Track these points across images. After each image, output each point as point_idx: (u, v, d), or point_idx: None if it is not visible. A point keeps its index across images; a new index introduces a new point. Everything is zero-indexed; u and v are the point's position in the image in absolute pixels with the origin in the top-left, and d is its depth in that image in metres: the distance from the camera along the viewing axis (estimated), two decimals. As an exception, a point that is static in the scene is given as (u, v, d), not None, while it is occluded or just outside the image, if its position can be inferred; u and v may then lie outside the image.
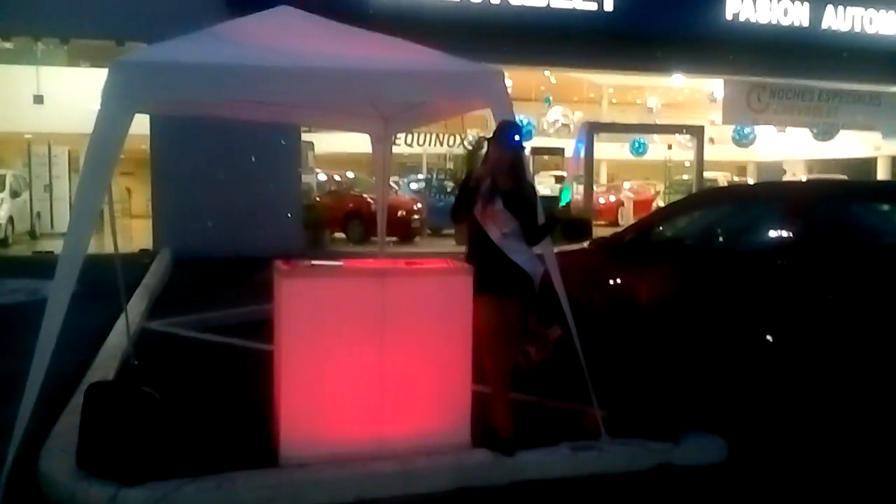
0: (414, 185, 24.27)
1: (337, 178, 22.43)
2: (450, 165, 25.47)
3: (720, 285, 5.74)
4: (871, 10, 17.94)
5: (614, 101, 31.71)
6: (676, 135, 26.07)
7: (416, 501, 4.03)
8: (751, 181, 31.42)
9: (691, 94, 27.94)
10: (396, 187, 23.17)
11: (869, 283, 5.33)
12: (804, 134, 24.37)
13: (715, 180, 26.54)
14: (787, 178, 30.99)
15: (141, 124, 5.72)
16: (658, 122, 29.04)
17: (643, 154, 30.72)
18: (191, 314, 8.34)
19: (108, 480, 3.77)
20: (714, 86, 22.52)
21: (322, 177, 21.84)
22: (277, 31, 4.68)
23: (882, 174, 31.91)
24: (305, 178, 17.71)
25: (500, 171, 4.40)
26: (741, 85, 19.40)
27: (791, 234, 5.78)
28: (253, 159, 13.96)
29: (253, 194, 14.33)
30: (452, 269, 4.55)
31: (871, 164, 32.05)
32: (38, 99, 20.16)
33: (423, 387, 4.32)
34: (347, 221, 18.53)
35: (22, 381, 3.64)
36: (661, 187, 28.58)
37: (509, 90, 4.96)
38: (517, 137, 4.42)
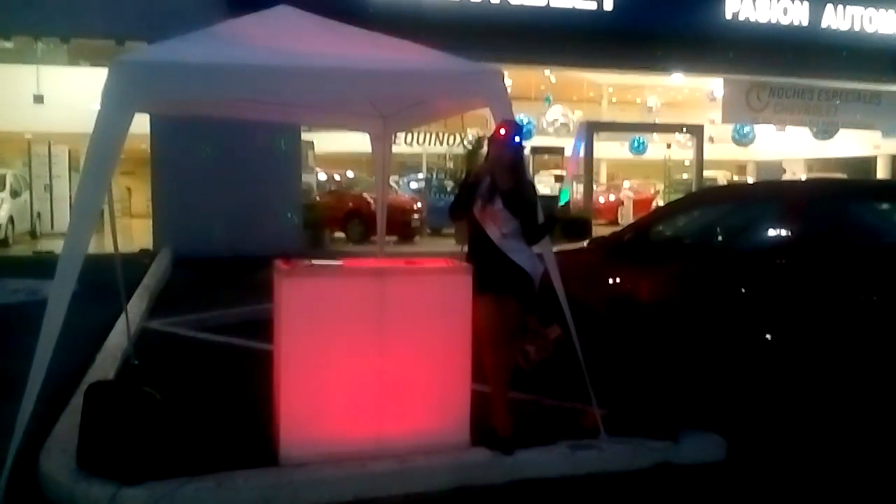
0: (414, 185, 24.26)
1: (337, 177, 22.43)
2: (450, 165, 25.47)
3: (719, 284, 5.75)
4: (871, 9, 17.95)
5: (614, 100, 31.70)
6: (676, 134, 26.08)
7: (415, 500, 4.04)
8: (750, 180, 31.40)
9: (691, 93, 27.93)
10: (396, 187, 23.17)
11: (868, 282, 5.34)
12: (804, 133, 24.39)
13: (714, 179, 26.56)
14: (786, 177, 30.99)
15: (141, 124, 5.72)
16: (658, 121, 29.04)
17: (643, 153, 30.72)
18: (191, 314, 8.35)
19: (109, 480, 3.77)
20: (714, 85, 22.53)
21: (322, 176, 21.84)
22: (277, 30, 4.69)
23: (882, 173, 31.91)
24: (305, 178, 17.72)
25: (499, 171, 4.41)
26: (741, 84, 19.41)
27: (790, 234, 5.79)
28: (254, 150, 13.94)
29: (253, 194, 14.35)
30: (452, 269, 4.56)
31: (870, 162, 32.06)
32: (39, 98, 20.18)
33: (423, 386, 4.33)
34: (347, 221, 18.53)
35: (22, 381, 3.64)
36: (660, 186, 28.57)
37: (509, 89, 4.96)
38: (517, 137, 4.43)
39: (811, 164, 34.17)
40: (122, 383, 5.00)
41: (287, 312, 4.16)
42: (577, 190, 20.91)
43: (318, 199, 18.95)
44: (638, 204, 25.71)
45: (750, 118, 20.83)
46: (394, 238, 17.38)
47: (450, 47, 4.93)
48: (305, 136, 17.88)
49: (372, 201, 16.86)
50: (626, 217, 24.02)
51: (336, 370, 4.17)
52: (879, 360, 5.17)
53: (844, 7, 17.71)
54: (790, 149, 30.96)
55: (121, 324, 6.69)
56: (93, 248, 4.16)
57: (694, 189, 18.39)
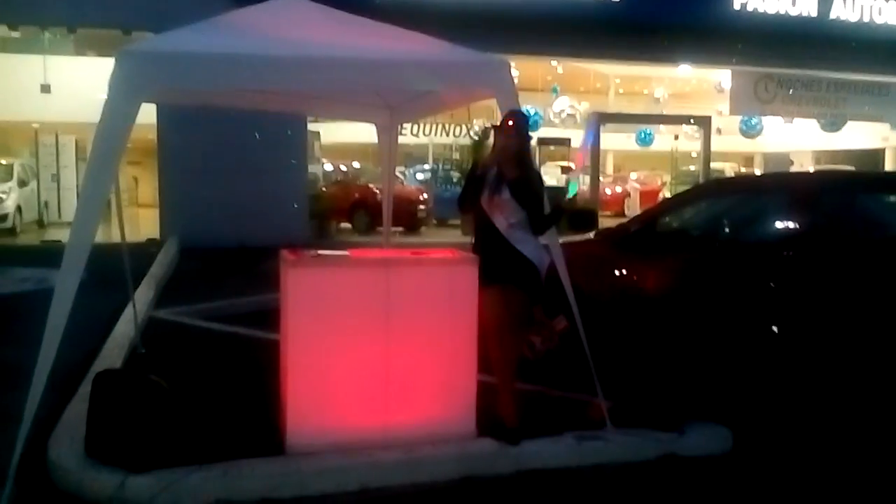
0: (420, 176, 24.26)
1: (343, 168, 22.43)
2: (456, 155, 25.44)
3: (726, 276, 5.74)
4: (880, 1, 17.83)
5: (621, 91, 31.64)
6: (683, 125, 25.98)
7: (421, 490, 4.05)
8: (758, 172, 31.30)
9: (699, 84, 27.86)
10: (402, 177, 23.17)
11: (875, 274, 5.32)
12: (812, 125, 24.28)
13: (722, 171, 26.47)
14: (794, 169, 30.88)
15: (148, 114, 5.73)
16: (665, 112, 28.95)
17: (649, 144, 30.64)
18: (198, 303, 8.37)
19: (116, 468, 3.80)
20: (721, 76, 22.45)
21: (328, 167, 21.84)
22: (284, 20, 4.68)
23: (890, 165, 31.76)
24: (311, 168, 17.73)
25: (505, 161, 4.41)
26: (749, 75, 19.32)
27: (797, 226, 5.78)
28: (257, 136, 13.90)
29: (259, 184, 14.36)
30: (458, 259, 4.56)
31: (878, 154, 31.92)
32: (46, 88, 20.18)
33: (429, 376, 4.33)
34: (353, 211, 18.54)
35: (30, 370, 3.66)
36: (667, 178, 28.50)
37: (515, 80, 4.95)
38: (523, 127, 4.42)
39: (819, 156, 34.03)
40: (129, 372, 5.03)
41: (293, 302, 4.17)
42: (584, 181, 20.86)
43: (324, 189, 18.97)
44: (644, 195, 25.61)
45: (758, 110, 20.75)
46: (400, 229, 17.37)
47: (456, 38, 4.92)
48: (312, 126, 17.88)
49: (378, 192, 16.87)
50: (633, 209, 23.94)
51: (342, 360, 4.18)
52: (887, 352, 5.16)
53: (853, -2, 17.63)
54: (798, 141, 30.82)
55: (128, 313, 6.72)
56: (100, 238, 4.17)
57: (701, 181, 18.33)
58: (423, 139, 28.24)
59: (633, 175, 29.18)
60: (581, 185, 20.53)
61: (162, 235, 14.38)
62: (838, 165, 28.49)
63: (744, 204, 6.53)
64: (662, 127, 29.50)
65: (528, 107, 22.80)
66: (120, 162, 4.12)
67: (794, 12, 17.28)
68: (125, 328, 6.67)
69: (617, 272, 6.13)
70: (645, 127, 30.12)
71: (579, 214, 5.72)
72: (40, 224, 19.27)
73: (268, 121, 13.46)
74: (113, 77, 3.90)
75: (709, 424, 4.78)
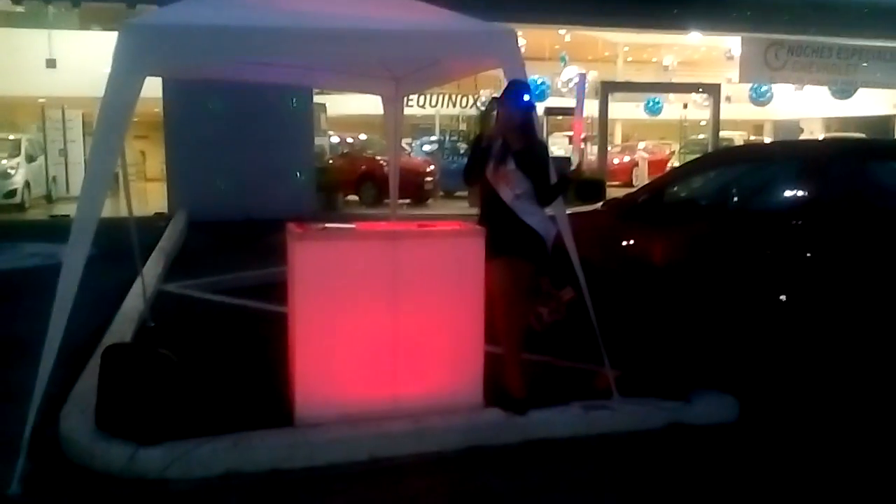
0: (426, 147, 24.17)
1: (349, 140, 22.36)
2: (462, 127, 25.33)
3: (734, 246, 5.72)
4: (893, -35, 17.58)
5: (629, 59, 31.34)
6: (692, 94, 25.77)
7: (429, 460, 4.08)
8: (767, 140, 31.09)
9: (708, 51, 27.61)
10: (409, 149, 23.08)
11: (885, 243, 5.29)
12: (822, 92, 24.04)
13: (731, 140, 26.30)
14: (804, 136, 30.63)
15: (154, 87, 5.71)
16: (674, 80, 28.70)
17: (658, 113, 30.42)
18: (206, 277, 8.41)
19: (127, 440, 3.83)
20: (731, 43, 22.21)
21: (335, 139, 21.78)
22: (287, -9, 4.64)
23: (901, 132, 31.50)
24: (318, 141, 17.67)
25: (510, 132, 4.38)
26: (759, 42, 19.11)
27: (807, 194, 5.74)
28: (267, 114, 13.84)
29: (266, 157, 14.37)
30: (464, 232, 4.56)
31: (889, 121, 31.62)
32: (51, 63, 20.17)
33: (436, 347, 4.35)
34: (360, 184, 18.51)
35: (40, 345, 3.68)
36: (676, 147, 28.33)
37: (522, 49, 4.90)
38: (527, 97, 4.39)
39: (829, 124, 33.74)
40: (138, 345, 5.07)
41: (301, 275, 4.18)
42: (591, 151, 20.75)
43: (330, 162, 18.93)
44: (653, 165, 25.50)
45: (768, 77, 20.54)
46: (407, 201, 17.36)
47: (462, 7, 4.87)
48: (318, 98, 17.81)
49: (385, 164, 16.82)
50: (641, 178, 23.85)
51: (350, 332, 4.20)
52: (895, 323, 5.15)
53: (865, -37, 17.38)
54: (808, 108, 30.55)
55: (137, 287, 6.75)
56: (108, 213, 4.19)
57: (710, 150, 18.21)
58: (429, 110, 28.10)
59: (642, 144, 29.01)
60: (587, 154, 20.45)
61: (170, 209, 14.42)
62: (849, 133, 28.23)
63: (752, 173, 6.49)
64: (671, 95, 29.27)
65: (535, 76, 22.67)
66: (125, 136, 4.12)
67: (804, -23, 17.07)
68: (134, 302, 6.71)
69: (624, 242, 6.11)
70: (654, 95, 29.88)
71: (587, 184, 5.69)
72: (48, 199, 19.35)
73: (274, 93, 13.42)
74: (117, 51, 3.88)
75: (715, 393, 4.79)
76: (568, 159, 19.06)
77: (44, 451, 3.88)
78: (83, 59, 18.80)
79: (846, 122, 31.34)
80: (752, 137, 31.63)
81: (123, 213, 6.12)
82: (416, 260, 4.31)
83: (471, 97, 25.67)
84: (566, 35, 25.56)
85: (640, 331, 5.51)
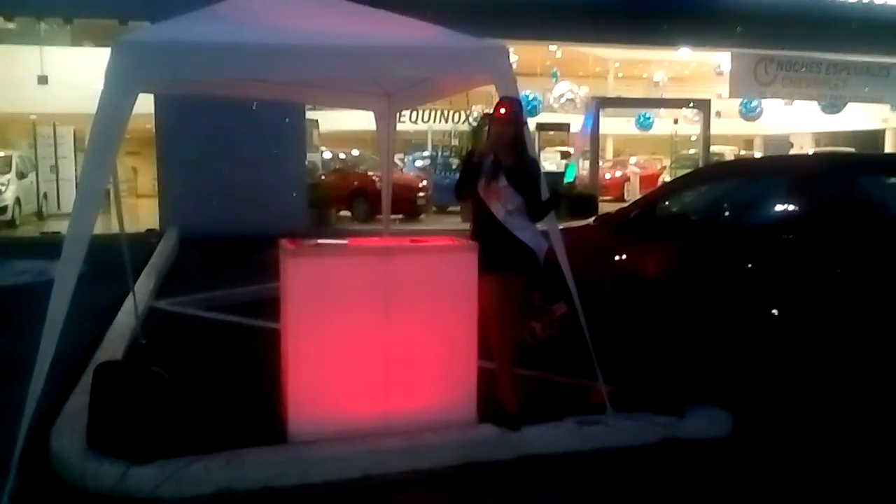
0: (419, 163, 24.21)
1: (342, 156, 22.39)
2: (455, 142, 25.39)
3: (726, 260, 5.74)
4: (880, -19, 17.75)
5: (620, 75, 31.53)
6: (683, 109, 25.90)
7: (423, 477, 4.06)
8: (757, 155, 31.26)
9: (698, 67, 27.77)
10: (401, 165, 23.12)
11: (876, 257, 5.32)
12: (811, 107, 24.21)
13: (722, 154, 26.44)
14: (793, 151, 30.82)
15: (146, 103, 5.71)
16: (665, 95, 28.86)
17: (649, 128, 30.57)
18: (198, 293, 8.38)
19: (118, 459, 3.80)
20: (721, 59, 22.35)
21: (327, 155, 21.80)
22: (280, 9, 4.65)
23: (890, 147, 31.73)
24: (310, 157, 17.68)
25: (501, 148, 4.39)
26: (748, 57, 19.24)
27: (797, 209, 5.77)
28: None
29: (258, 173, 14.34)
30: (457, 247, 4.56)
31: (878, 136, 31.85)
32: (43, 79, 20.14)
33: (429, 363, 4.34)
34: (352, 199, 18.52)
35: (31, 362, 3.66)
36: (667, 162, 28.45)
37: (514, 65, 4.93)
38: (517, 113, 4.40)
39: (819, 139, 33.97)
40: (130, 363, 5.04)
41: (293, 291, 4.17)
42: (584, 166, 20.80)
43: (323, 177, 18.95)
44: (644, 180, 25.60)
45: (758, 92, 20.68)
46: (399, 216, 17.36)
47: (454, 24, 4.89)
48: (310, 114, 17.85)
49: (377, 179, 16.85)
50: (633, 193, 23.92)
51: (343, 348, 4.19)
52: (887, 336, 5.16)
53: (853, -21, 17.54)
54: (798, 123, 30.77)
55: (128, 304, 6.72)
56: (100, 229, 4.17)
57: (701, 164, 18.29)
58: (421, 126, 28.19)
59: (633, 159, 29.14)
60: (580, 169, 20.53)
61: (161, 226, 14.39)
62: (838, 147, 28.41)
63: (743, 187, 6.52)
64: (662, 111, 29.41)
65: (527, 92, 22.76)
66: (118, 153, 4.10)
67: (793, -7, 17.21)
68: (125, 319, 6.68)
69: (617, 257, 6.12)
70: (644, 111, 30.03)
71: (579, 200, 5.70)
72: (39, 216, 19.27)
73: (266, 110, 13.42)
74: (109, 67, 3.88)
75: (709, 408, 4.79)
76: (561, 174, 19.11)
77: (34, 468, 3.84)
78: (75, 75, 18.77)
79: (835, 137, 31.55)
80: (743, 152, 31.80)
81: (115, 229, 6.10)
82: (408, 275, 4.30)
83: (463, 113, 25.76)
84: (557, 51, 25.68)
85: (633, 345, 5.51)
